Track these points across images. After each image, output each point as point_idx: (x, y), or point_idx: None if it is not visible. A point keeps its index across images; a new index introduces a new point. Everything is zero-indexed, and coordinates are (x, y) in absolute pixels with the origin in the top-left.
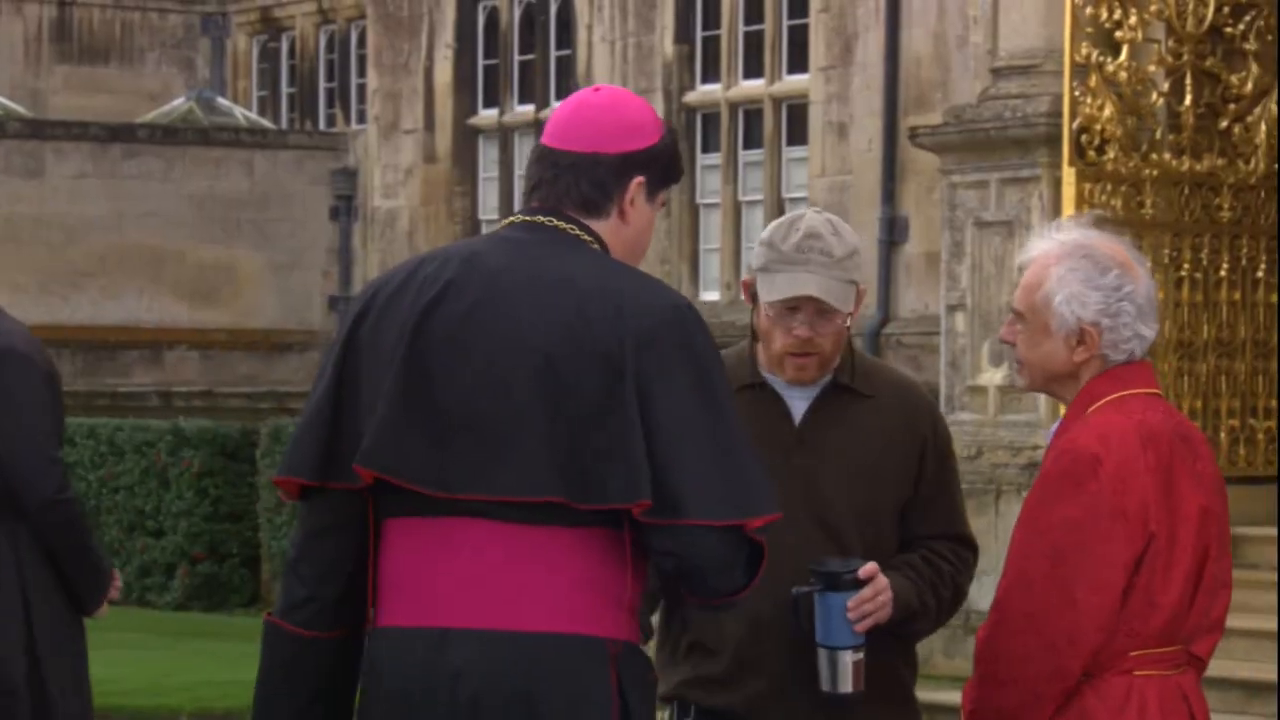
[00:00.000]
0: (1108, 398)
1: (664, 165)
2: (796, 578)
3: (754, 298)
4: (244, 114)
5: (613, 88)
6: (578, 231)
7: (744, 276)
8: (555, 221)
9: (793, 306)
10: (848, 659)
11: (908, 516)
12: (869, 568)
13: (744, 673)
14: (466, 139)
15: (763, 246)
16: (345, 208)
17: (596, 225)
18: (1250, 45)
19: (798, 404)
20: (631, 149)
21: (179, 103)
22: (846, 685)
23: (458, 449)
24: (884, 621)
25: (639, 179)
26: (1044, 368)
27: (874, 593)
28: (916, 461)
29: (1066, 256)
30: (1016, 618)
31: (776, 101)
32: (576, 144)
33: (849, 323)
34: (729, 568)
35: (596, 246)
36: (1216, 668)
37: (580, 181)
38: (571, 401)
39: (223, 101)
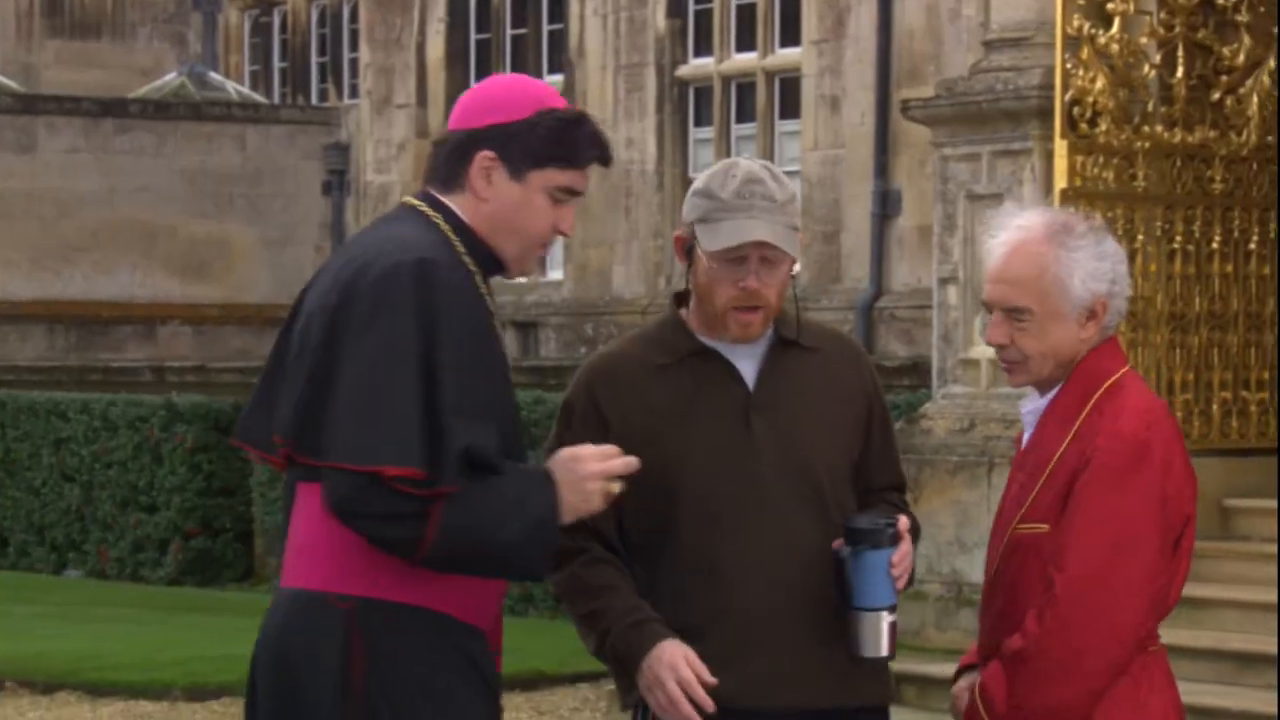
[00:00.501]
0: (1115, 375)
1: (527, 143)
2: (782, 546)
3: (688, 254)
4: (236, 89)
5: (518, 75)
6: (425, 207)
7: (676, 232)
8: (413, 200)
9: (739, 256)
10: (888, 620)
11: (862, 469)
12: (905, 521)
13: (735, 652)
14: None
15: (698, 197)
16: (338, 182)
17: (452, 200)
18: (1242, 16)
19: (745, 365)
20: (480, 125)
21: (171, 78)
22: (885, 648)
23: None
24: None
25: (487, 154)
26: (1055, 356)
27: (909, 547)
28: (866, 413)
29: (1054, 236)
30: (1081, 613)
31: (769, 75)
32: (449, 125)
33: (794, 271)
34: (384, 518)
35: (437, 219)
36: (1210, 639)
37: (438, 160)
38: (304, 357)
39: (215, 76)
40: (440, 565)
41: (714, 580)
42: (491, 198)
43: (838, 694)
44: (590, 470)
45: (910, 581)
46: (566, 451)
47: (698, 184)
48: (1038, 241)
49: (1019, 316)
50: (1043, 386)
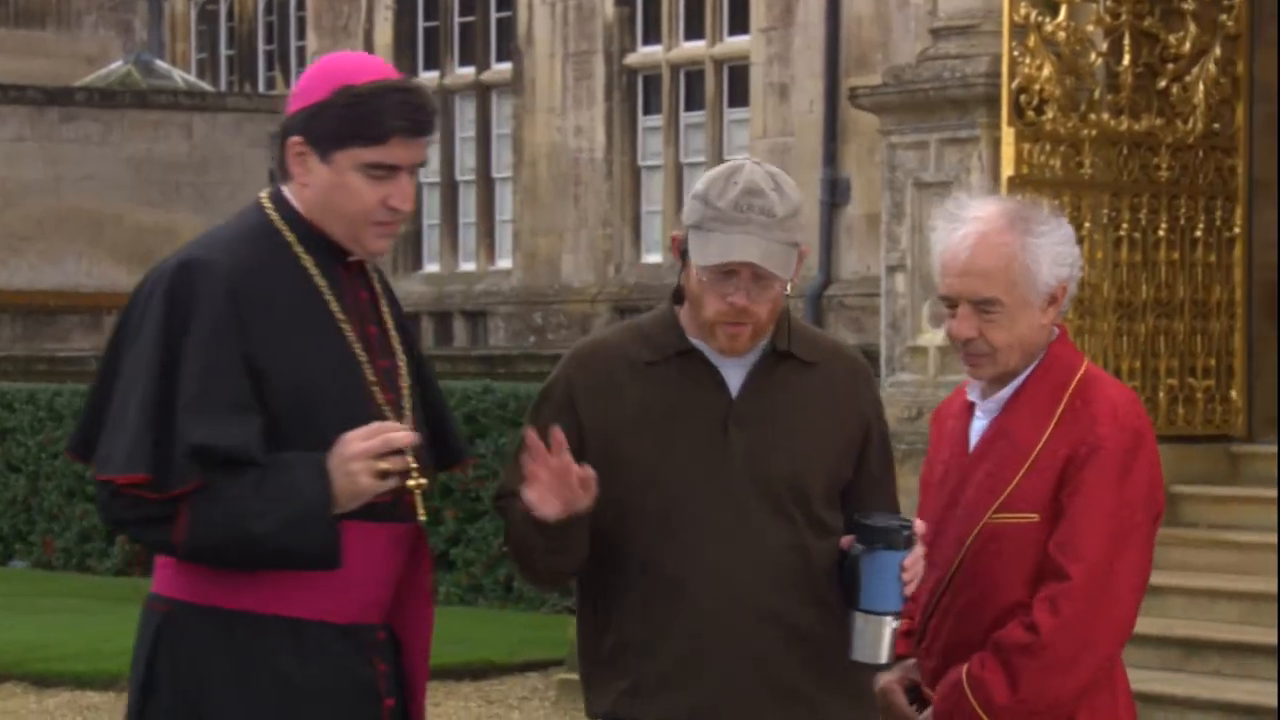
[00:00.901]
0: (1083, 364)
1: (327, 123)
2: (737, 558)
3: (684, 255)
4: (182, 77)
5: (339, 55)
6: (266, 200)
7: (674, 231)
8: (263, 193)
9: (728, 271)
10: (892, 625)
11: (854, 495)
12: (920, 524)
13: (688, 673)
14: None
15: (696, 201)
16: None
17: (288, 190)
18: (1188, 4)
19: (733, 372)
20: (290, 111)
21: (117, 66)
22: (886, 655)
23: None
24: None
25: (295, 139)
26: (1022, 345)
27: (922, 552)
28: (860, 441)
29: (1016, 225)
30: (1093, 603)
31: (717, 63)
32: None
33: (789, 289)
34: (137, 523)
35: (273, 211)
36: (1156, 626)
37: (273, 151)
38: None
39: (161, 64)
40: (209, 561)
41: (666, 593)
42: (310, 183)
43: None
44: (351, 451)
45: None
46: (343, 436)
47: (698, 186)
48: (1001, 232)
49: (987, 308)
50: (1005, 378)
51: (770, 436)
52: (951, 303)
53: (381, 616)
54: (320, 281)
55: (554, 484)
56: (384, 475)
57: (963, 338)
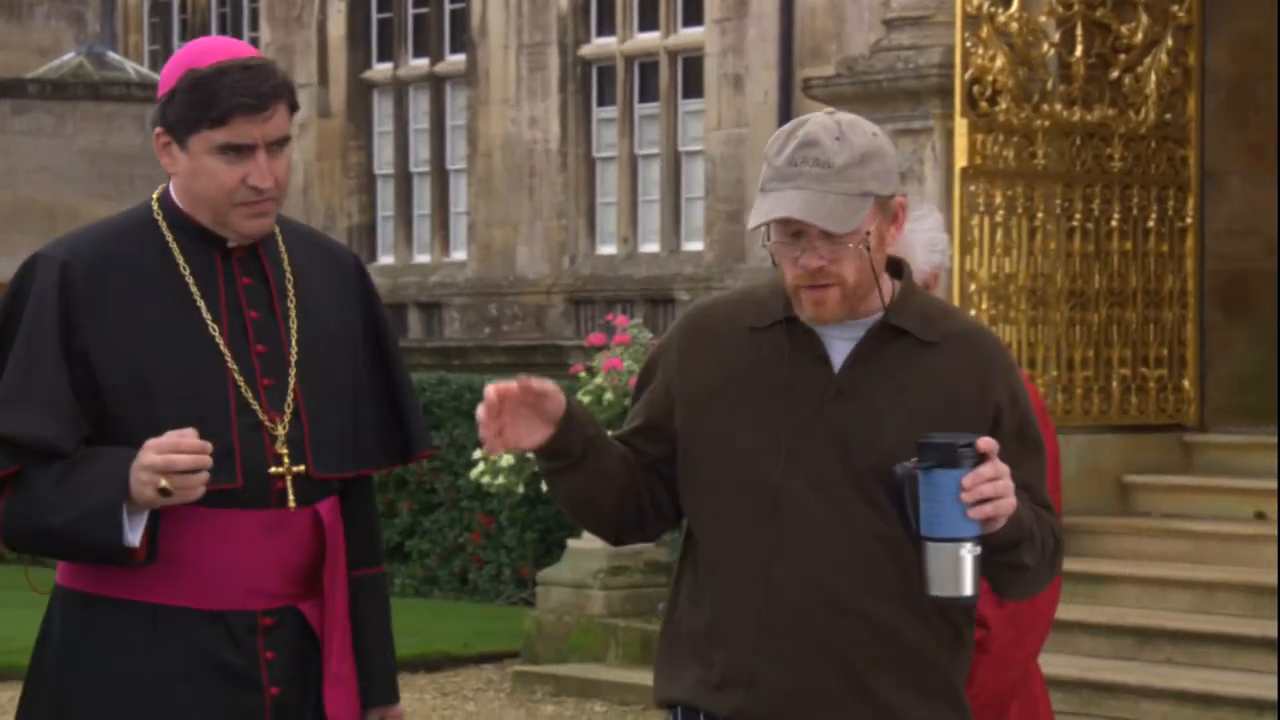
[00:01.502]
0: None
1: (177, 110)
2: (818, 544)
3: None
4: (135, 69)
5: (193, 43)
6: (156, 192)
7: None
8: (161, 186)
9: (795, 232)
10: (968, 553)
11: None
12: (987, 441)
13: (760, 668)
14: (361, 93)
15: (764, 161)
16: None
17: (170, 181)
18: None
19: (839, 345)
20: (156, 103)
21: (69, 57)
22: (966, 587)
23: None
24: (1002, 518)
25: (158, 130)
26: None
27: (995, 472)
28: (987, 424)
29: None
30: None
31: (671, 54)
32: None
33: (874, 242)
34: None
35: (155, 201)
36: (1108, 615)
37: None
38: None
39: (113, 56)
40: (25, 548)
41: (744, 580)
42: (177, 171)
43: None
44: (142, 460)
45: (1003, 547)
46: (146, 443)
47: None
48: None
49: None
50: None
51: (867, 417)
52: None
53: (266, 603)
54: (184, 270)
55: (515, 415)
56: (165, 492)
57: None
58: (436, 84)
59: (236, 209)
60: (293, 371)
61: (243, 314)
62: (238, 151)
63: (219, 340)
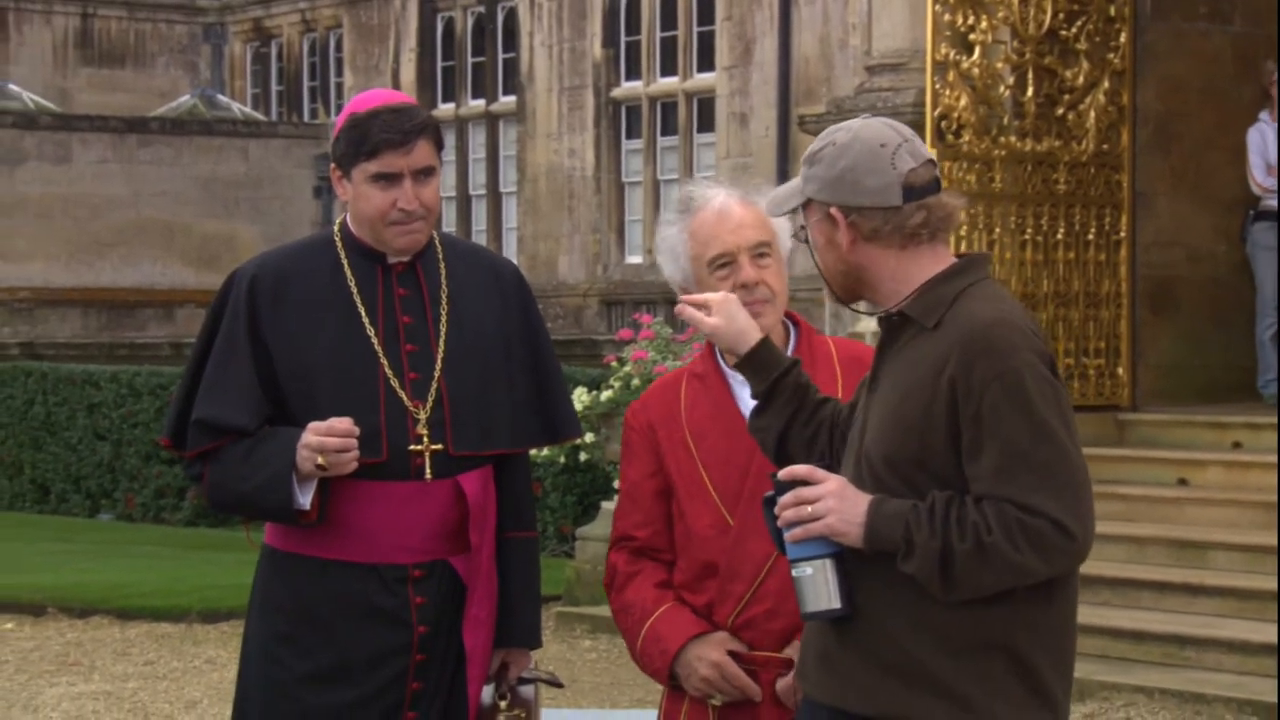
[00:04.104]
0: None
1: (342, 147)
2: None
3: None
4: (240, 109)
5: (361, 95)
6: (339, 219)
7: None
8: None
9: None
10: (818, 569)
11: (938, 467)
12: (793, 469)
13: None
14: None
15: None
16: (326, 188)
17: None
18: (1081, 45)
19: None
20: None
21: (185, 99)
22: (823, 600)
23: None
24: (825, 534)
25: (332, 165)
26: (786, 298)
27: (795, 498)
28: (944, 400)
29: (747, 196)
30: None
31: (689, 96)
32: None
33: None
34: (190, 478)
35: (336, 227)
36: None
37: None
38: None
39: (222, 98)
40: (224, 509)
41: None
42: (346, 199)
43: (841, 696)
44: (305, 439)
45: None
46: (310, 425)
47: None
48: (744, 199)
49: (764, 251)
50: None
51: (872, 405)
52: (727, 260)
53: (415, 557)
54: (351, 283)
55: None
56: (321, 467)
57: (752, 282)
58: (492, 121)
59: (390, 228)
60: (438, 367)
61: (396, 319)
62: (388, 180)
63: (374, 340)
